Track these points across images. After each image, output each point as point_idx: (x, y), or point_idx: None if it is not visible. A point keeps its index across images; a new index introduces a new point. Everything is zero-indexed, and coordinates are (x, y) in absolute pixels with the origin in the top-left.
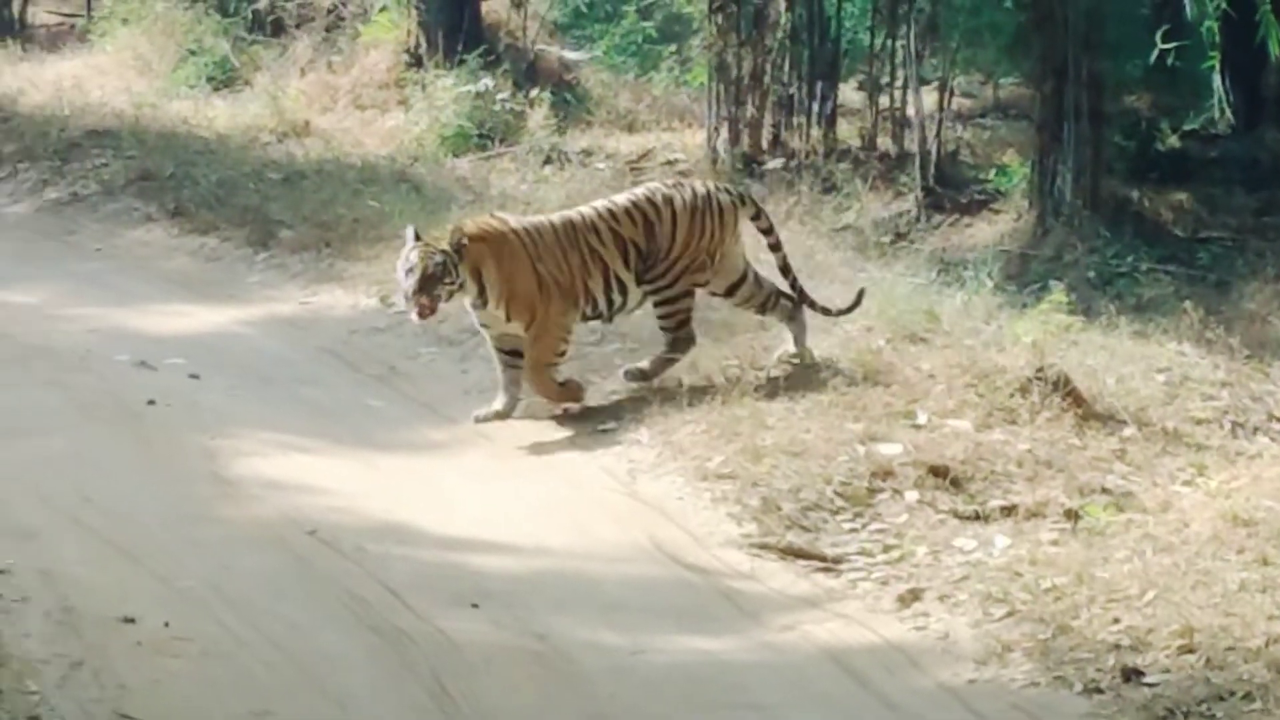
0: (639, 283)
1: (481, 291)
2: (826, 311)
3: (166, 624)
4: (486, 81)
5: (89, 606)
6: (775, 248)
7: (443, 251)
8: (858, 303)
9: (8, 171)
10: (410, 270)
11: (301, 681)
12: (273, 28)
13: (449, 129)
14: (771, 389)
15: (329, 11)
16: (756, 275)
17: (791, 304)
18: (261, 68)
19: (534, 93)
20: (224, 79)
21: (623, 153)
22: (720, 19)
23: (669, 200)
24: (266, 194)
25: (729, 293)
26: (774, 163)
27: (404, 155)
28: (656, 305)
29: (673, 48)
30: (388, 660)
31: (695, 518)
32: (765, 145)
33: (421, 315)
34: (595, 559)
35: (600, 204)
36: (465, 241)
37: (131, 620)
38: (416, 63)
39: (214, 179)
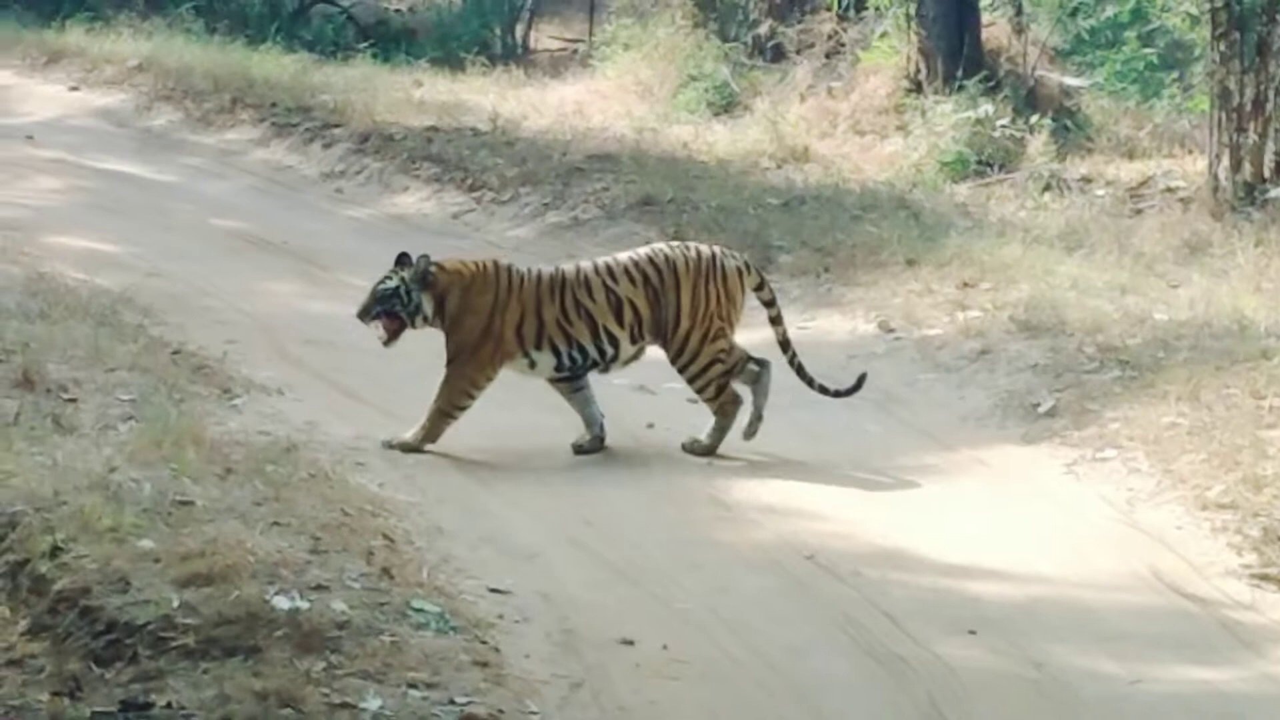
0: (633, 341)
1: (442, 319)
2: (824, 391)
3: (665, 646)
4: (986, 108)
5: (588, 628)
6: (776, 321)
7: (400, 277)
8: (858, 386)
9: (510, 195)
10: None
11: (798, 705)
12: (773, 53)
13: (948, 155)
14: (1273, 418)
15: (829, 37)
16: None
17: (759, 369)
18: (761, 93)
19: (1034, 119)
20: (724, 104)
21: (1122, 180)
22: (1223, 46)
23: (671, 262)
24: (766, 219)
25: None
26: (1276, 190)
27: (903, 181)
28: (690, 383)
29: (1174, 74)
30: (884, 685)
31: (1195, 547)
32: (1267, 173)
33: (380, 333)
34: (1093, 587)
35: (600, 260)
36: (433, 270)
37: (630, 642)
38: (916, 88)
39: (714, 204)
